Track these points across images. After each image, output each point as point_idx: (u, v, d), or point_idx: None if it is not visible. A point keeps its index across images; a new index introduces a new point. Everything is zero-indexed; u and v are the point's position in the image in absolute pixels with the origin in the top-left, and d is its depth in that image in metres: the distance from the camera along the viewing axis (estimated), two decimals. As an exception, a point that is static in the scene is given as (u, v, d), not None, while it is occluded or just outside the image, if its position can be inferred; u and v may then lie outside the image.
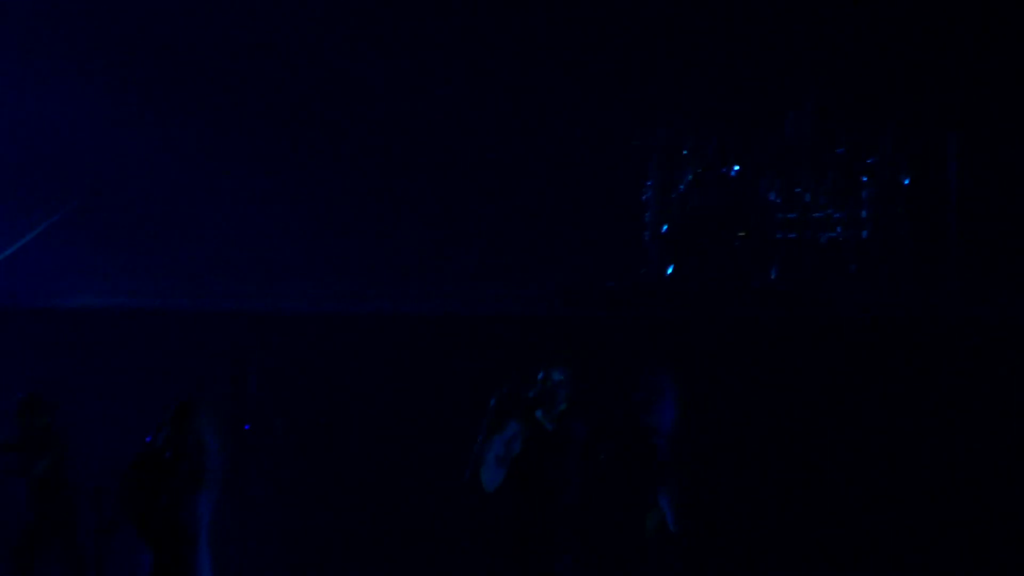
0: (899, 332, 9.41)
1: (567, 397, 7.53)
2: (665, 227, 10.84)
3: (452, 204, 12.37)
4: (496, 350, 9.32)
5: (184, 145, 12.55)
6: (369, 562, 9.38)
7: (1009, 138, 11.43)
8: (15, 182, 12.54)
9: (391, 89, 12.51)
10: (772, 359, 9.35)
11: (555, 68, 12.31)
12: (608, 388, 8.23)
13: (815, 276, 10.77)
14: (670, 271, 10.81)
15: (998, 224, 11.36)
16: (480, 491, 7.40)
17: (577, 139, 12.08)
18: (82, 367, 9.71)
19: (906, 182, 10.81)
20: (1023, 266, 11.15)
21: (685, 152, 10.86)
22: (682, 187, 10.86)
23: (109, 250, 12.26)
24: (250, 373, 9.26)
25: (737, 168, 10.81)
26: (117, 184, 12.63)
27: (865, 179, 10.75)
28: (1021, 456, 8.94)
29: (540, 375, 7.52)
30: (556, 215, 12.17)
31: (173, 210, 12.55)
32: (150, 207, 12.56)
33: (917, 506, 8.95)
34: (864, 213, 10.71)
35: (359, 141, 12.45)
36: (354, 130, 12.49)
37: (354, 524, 9.37)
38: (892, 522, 8.96)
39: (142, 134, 12.59)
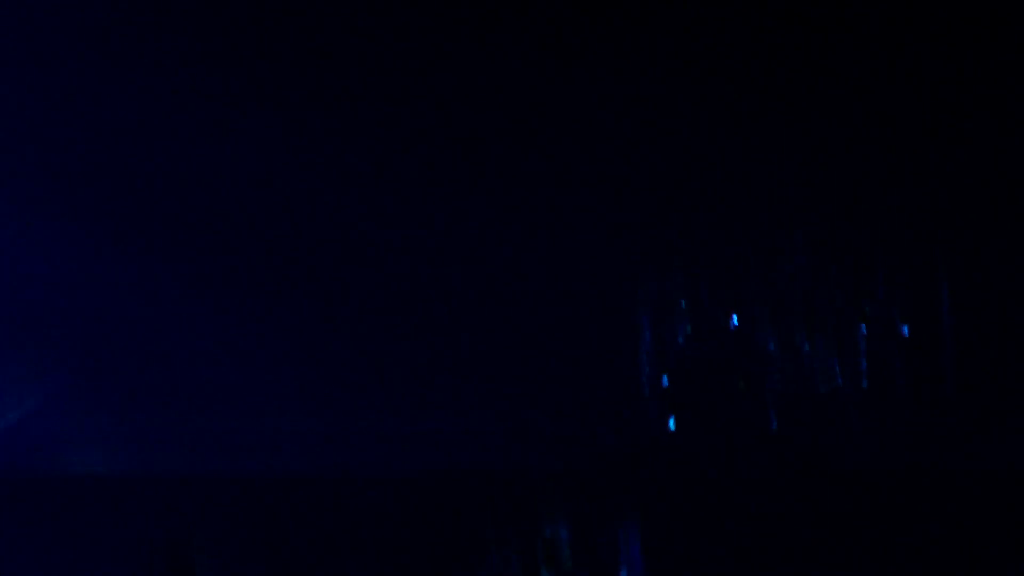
0: (900, 484, 9.60)
1: (572, 555, 7.68)
2: (665, 381, 11.07)
3: (447, 368, 12.65)
4: (497, 508, 9.49)
5: (185, 311, 12.91)
6: None
7: (1004, 286, 11.73)
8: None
9: (384, 249, 12.86)
10: (773, 512, 9.52)
11: (546, 223, 12.63)
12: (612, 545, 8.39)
13: (816, 428, 10.95)
14: (672, 425, 10.99)
15: (995, 372, 11.61)
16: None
17: (570, 294, 12.37)
18: (85, 535, 9.96)
19: (904, 331, 11.08)
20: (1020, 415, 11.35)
21: (683, 304, 11.15)
22: (680, 340, 11.12)
23: (110, 418, 12.57)
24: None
25: (735, 320, 11.10)
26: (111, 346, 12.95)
27: (864, 328, 11.01)
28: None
29: (547, 532, 7.69)
30: (554, 369, 12.41)
31: (173, 376, 12.90)
32: (149, 374, 12.90)
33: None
34: (864, 363, 10.96)
35: (356, 304, 12.79)
36: (351, 292, 12.83)
37: None
38: None
39: (140, 298, 12.90)
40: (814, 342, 11.07)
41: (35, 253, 12.91)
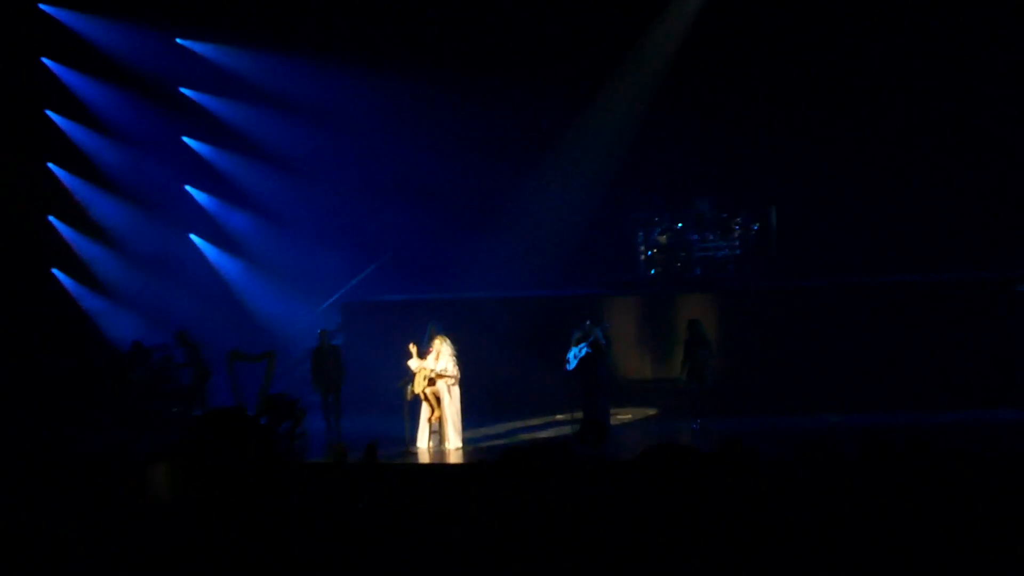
0: (752, 296, 22.10)
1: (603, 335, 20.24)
2: (649, 252, 23.74)
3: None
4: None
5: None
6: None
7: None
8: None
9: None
10: (700, 311, 21.82)
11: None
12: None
13: (716, 272, 23.62)
14: (653, 272, 23.81)
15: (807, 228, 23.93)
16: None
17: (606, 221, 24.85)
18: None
19: (755, 228, 23.60)
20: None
21: (656, 219, 23.77)
22: (655, 235, 23.71)
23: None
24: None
25: (680, 225, 23.62)
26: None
27: (737, 228, 23.54)
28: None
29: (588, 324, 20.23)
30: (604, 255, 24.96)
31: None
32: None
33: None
34: (737, 243, 23.55)
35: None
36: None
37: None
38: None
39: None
40: (714, 235, 23.57)
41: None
